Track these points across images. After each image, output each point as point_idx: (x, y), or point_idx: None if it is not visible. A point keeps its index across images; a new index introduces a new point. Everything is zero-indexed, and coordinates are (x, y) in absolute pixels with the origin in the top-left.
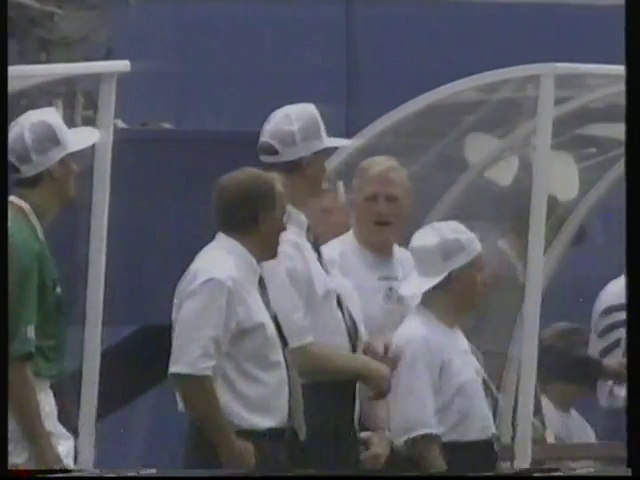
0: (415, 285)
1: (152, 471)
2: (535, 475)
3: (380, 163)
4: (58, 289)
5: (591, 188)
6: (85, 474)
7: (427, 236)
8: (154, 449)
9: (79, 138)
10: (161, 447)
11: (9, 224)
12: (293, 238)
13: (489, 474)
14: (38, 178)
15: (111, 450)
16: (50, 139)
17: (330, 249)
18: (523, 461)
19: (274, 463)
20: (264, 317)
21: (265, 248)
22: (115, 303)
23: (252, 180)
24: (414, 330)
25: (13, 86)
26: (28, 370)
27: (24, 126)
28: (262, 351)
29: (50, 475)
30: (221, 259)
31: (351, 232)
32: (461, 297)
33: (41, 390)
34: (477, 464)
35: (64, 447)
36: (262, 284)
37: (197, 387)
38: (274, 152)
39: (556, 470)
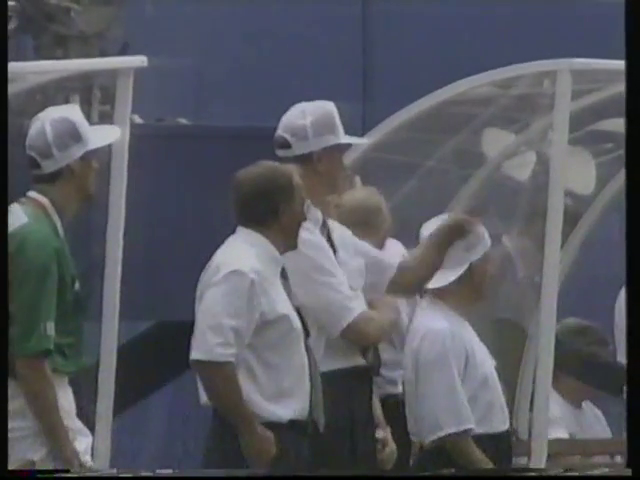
0: (439, 277)
1: (168, 471)
2: (535, 475)
3: None
4: (77, 285)
5: (607, 184)
6: (87, 474)
7: None
8: (170, 446)
9: (100, 135)
10: (177, 444)
11: (29, 220)
12: (306, 236)
13: (490, 474)
14: (58, 174)
15: (127, 446)
16: (71, 135)
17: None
18: (540, 456)
19: (295, 455)
20: (287, 308)
21: (286, 239)
22: (132, 299)
23: (270, 173)
24: (435, 323)
25: (30, 82)
26: (46, 366)
27: (45, 122)
28: (284, 342)
29: (50, 475)
30: (244, 252)
31: None
32: (475, 288)
33: (59, 386)
34: (500, 456)
35: (82, 443)
36: (284, 275)
37: (216, 373)
38: (287, 145)
39: (556, 470)
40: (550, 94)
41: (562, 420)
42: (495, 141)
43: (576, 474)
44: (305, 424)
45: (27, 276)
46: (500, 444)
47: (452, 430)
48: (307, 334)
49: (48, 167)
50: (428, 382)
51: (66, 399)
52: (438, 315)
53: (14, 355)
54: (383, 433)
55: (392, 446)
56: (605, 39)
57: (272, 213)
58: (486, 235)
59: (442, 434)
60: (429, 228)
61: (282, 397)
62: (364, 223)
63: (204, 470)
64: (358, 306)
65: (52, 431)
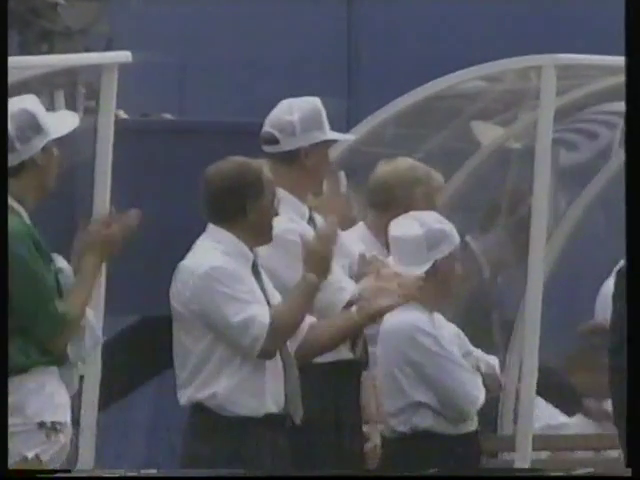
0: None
1: (152, 471)
2: (535, 475)
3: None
4: (56, 265)
5: (592, 179)
6: (85, 474)
7: (410, 226)
8: (155, 441)
9: (60, 123)
10: (162, 439)
11: None
12: (294, 227)
13: (490, 474)
14: (21, 167)
15: (112, 442)
16: (32, 127)
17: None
18: (524, 452)
19: (273, 449)
20: (260, 303)
21: (257, 235)
22: (116, 293)
23: (237, 169)
24: (403, 317)
25: (14, 77)
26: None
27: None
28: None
29: (50, 475)
30: (209, 249)
31: (364, 229)
32: (441, 286)
33: (53, 379)
34: (468, 457)
35: (66, 439)
36: (256, 270)
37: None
38: (274, 141)
39: (556, 470)
40: (536, 89)
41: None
42: (482, 134)
43: (576, 474)
44: (281, 418)
45: (13, 269)
46: (468, 445)
47: (482, 397)
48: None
49: (11, 161)
50: (436, 367)
51: (60, 393)
52: (410, 309)
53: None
54: (368, 428)
55: (375, 441)
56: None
57: (240, 210)
58: (453, 233)
59: (480, 403)
60: (397, 226)
61: (257, 391)
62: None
63: (188, 470)
64: (350, 287)
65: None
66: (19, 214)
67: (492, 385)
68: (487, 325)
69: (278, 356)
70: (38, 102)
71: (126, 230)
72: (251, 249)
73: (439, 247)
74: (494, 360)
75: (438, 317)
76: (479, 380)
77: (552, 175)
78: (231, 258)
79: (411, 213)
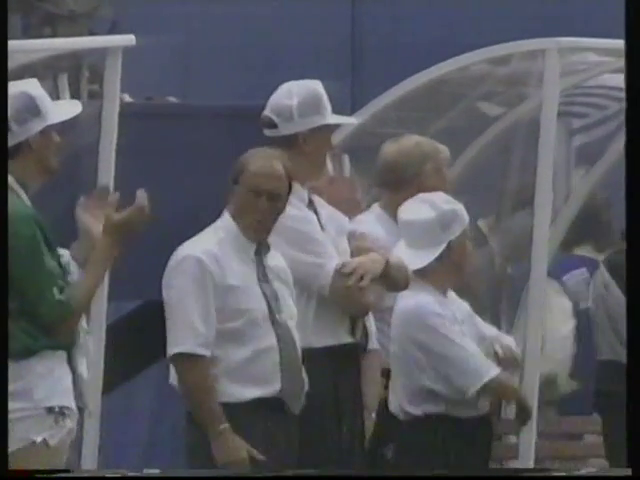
0: (412, 258)
1: (155, 471)
2: (535, 475)
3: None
4: (60, 251)
5: (597, 162)
6: (85, 474)
7: (422, 209)
8: (159, 426)
9: (61, 110)
10: (165, 425)
11: None
12: (292, 211)
13: (489, 474)
14: (17, 149)
15: (116, 427)
16: (30, 110)
17: (373, 229)
18: (528, 436)
19: (264, 434)
20: (248, 288)
21: (259, 229)
22: (119, 277)
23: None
24: (417, 299)
25: (18, 61)
26: (71, 322)
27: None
28: (248, 322)
29: (50, 475)
30: (206, 235)
31: (380, 210)
32: (455, 266)
33: (62, 363)
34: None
35: (73, 424)
36: (259, 258)
37: (190, 366)
38: (273, 126)
39: (556, 470)
40: (539, 72)
41: None
42: (486, 118)
43: (576, 474)
44: (275, 404)
45: (18, 251)
46: (483, 428)
47: (493, 373)
48: (274, 316)
49: (8, 142)
50: (436, 352)
51: (66, 377)
52: (421, 293)
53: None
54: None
55: (368, 427)
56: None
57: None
58: (463, 213)
59: (486, 379)
60: (407, 211)
61: (250, 378)
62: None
63: (190, 470)
64: (332, 263)
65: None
66: (21, 197)
67: (511, 364)
68: (494, 308)
69: (275, 344)
70: (40, 87)
71: (140, 212)
72: (253, 240)
73: (451, 228)
74: (510, 340)
75: (451, 295)
76: (488, 361)
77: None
78: (225, 246)
79: (419, 196)
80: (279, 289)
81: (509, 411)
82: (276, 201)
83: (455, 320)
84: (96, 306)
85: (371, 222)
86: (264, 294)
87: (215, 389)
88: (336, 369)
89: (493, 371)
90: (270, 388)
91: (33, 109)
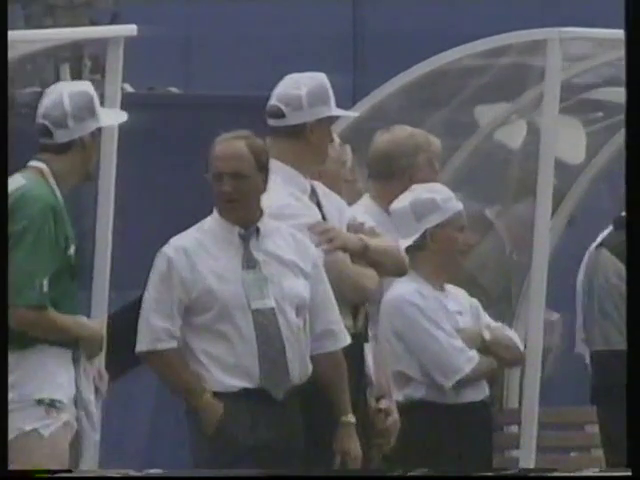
0: None
1: (157, 471)
2: (535, 475)
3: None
4: (71, 250)
5: (597, 153)
6: (86, 474)
7: (403, 198)
8: (163, 417)
9: (111, 115)
10: (168, 418)
11: (27, 182)
12: (291, 201)
13: (489, 474)
14: (69, 145)
15: (116, 417)
16: (88, 109)
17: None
18: (530, 426)
19: (251, 424)
20: (225, 278)
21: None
22: (121, 267)
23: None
24: (399, 288)
25: (20, 51)
26: (43, 316)
27: (63, 92)
28: (218, 314)
29: (50, 475)
30: (191, 229)
31: (370, 202)
32: (440, 256)
33: (57, 358)
34: (477, 427)
35: (70, 418)
36: (245, 243)
37: (159, 361)
38: (281, 115)
39: (556, 470)
40: (541, 63)
41: None
42: (486, 109)
43: (576, 474)
44: (258, 393)
45: (24, 231)
46: (474, 415)
47: (468, 369)
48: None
49: (61, 137)
50: (417, 338)
51: (64, 373)
52: (407, 282)
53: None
54: (386, 403)
55: (395, 416)
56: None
57: None
58: (448, 203)
59: (460, 376)
60: (400, 200)
61: (230, 368)
62: None
63: (191, 470)
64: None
65: (72, 330)
66: (52, 188)
67: (513, 358)
68: (498, 298)
69: (252, 333)
70: (94, 90)
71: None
72: (244, 227)
73: (427, 217)
74: (513, 333)
75: (449, 288)
76: (467, 354)
77: None
78: (209, 239)
79: (414, 185)
80: (271, 272)
81: (510, 401)
82: (240, 180)
83: (443, 312)
84: (98, 294)
85: (359, 214)
86: (245, 282)
87: (186, 371)
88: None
89: (468, 366)
90: (250, 378)
91: (91, 109)
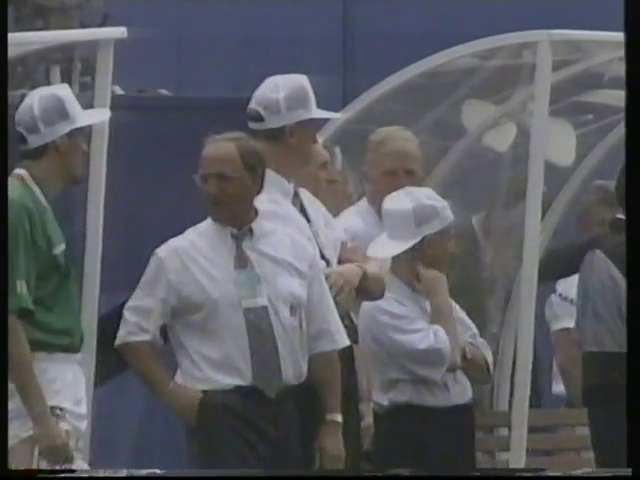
0: (386, 248)
1: (156, 471)
2: (534, 475)
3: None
4: (57, 250)
5: (588, 155)
6: (86, 474)
7: (402, 200)
8: (153, 417)
9: (89, 115)
10: (158, 419)
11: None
12: (272, 208)
13: (488, 474)
14: (43, 150)
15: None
16: (58, 111)
17: (351, 221)
18: (520, 429)
19: (243, 421)
20: (216, 278)
21: (221, 213)
22: (111, 270)
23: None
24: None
25: (10, 52)
26: (19, 327)
27: (34, 98)
28: (210, 312)
29: (50, 475)
30: (190, 230)
31: (366, 203)
32: (430, 264)
33: (56, 364)
34: (460, 429)
35: (70, 426)
36: (238, 243)
37: (130, 354)
38: (259, 119)
39: (555, 470)
40: (530, 65)
41: None
42: (475, 112)
43: (576, 474)
44: (250, 391)
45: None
46: (459, 417)
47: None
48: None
49: (34, 142)
50: (395, 344)
51: (58, 378)
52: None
53: None
54: (362, 406)
55: (368, 420)
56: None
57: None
58: (445, 211)
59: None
60: (389, 200)
61: (222, 366)
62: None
63: (184, 471)
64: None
65: (22, 389)
66: (31, 191)
67: (480, 380)
68: (483, 303)
69: (244, 331)
70: (69, 90)
71: None
72: (238, 228)
73: (428, 223)
74: (489, 353)
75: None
76: (441, 352)
77: None
78: (202, 240)
79: (406, 188)
80: (264, 271)
81: (501, 404)
82: (225, 182)
83: (421, 313)
84: (88, 297)
85: (354, 217)
86: (237, 281)
87: (154, 363)
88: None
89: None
90: (242, 376)
91: (61, 111)
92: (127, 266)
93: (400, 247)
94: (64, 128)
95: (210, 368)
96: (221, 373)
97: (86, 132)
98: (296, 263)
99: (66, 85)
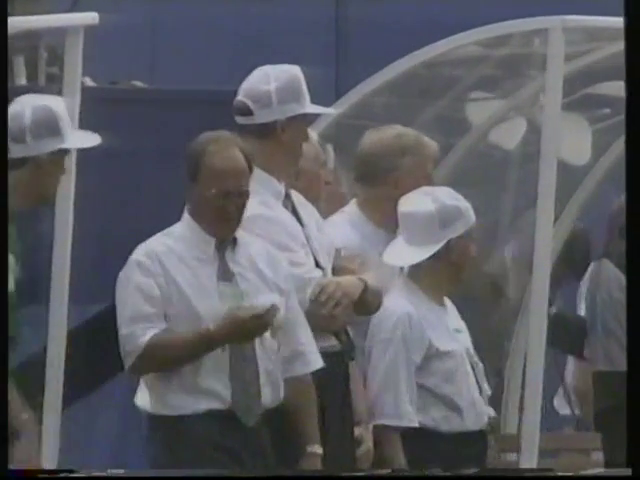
0: (407, 255)
1: (156, 471)
2: (533, 475)
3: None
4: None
5: (604, 152)
6: (85, 474)
7: (422, 202)
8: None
9: (80, 137)
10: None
11: None
12: (262, 211)
13: (488, 474)
14: (22, 162)
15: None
16: (50, 127)
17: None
18: (530, 453)
19: (220, 445)
20: (199, 291)
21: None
22: (81, 280)
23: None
24: (397, 304)
25: None
26: None
27: (26, 105)
28: (195, 326)
29: (51, 475)
30: (166, 232)
31: (356, 209)
32: (453, 268)
33: None
34: (471, 456)
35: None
36: (221, 254)
37: (160, 347)
38: (248, 113)
39: (554, 470)
40: (541, 54)
41: None
42: (480, 106)
43: (577, 474)
44: (228, 416)
45: None
46: (471, 444)
47: (383, 421)
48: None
49: (16, 152)
50: (372, 364)
51: None
52: (404, 297)
53: None
54: (359, 430)
55: (368, 445)
56: None
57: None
58: (469, 211)
59: (376, 422)
60: (407, 202)
61: (200, 390)
62: None
63: (158, 470)
64: (319, 276)
65: None
66: None
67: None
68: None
69: (226, 353)
70: (64, 105)
71: None
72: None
73: (453, 225)
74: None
75: (447, 303)
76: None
77: None
78: (180, 245)
79: (423, 188)
80: (247, 287)
81: (509, 427)
82: (243, 198)
83: (420, 343)
84: (57, 309)
85: (345, 227)
86: (222, 295)
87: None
88: (322, 376)
89: (389, 420)
90: (220, 400)
91: (53, 127)
92: (97, 274)
93: (423, 253)
94: (51, 145)
95: (189, 392)
96: (201, 398)
97: (71, 153)
98: (274, 277)
99: (61, 99)
